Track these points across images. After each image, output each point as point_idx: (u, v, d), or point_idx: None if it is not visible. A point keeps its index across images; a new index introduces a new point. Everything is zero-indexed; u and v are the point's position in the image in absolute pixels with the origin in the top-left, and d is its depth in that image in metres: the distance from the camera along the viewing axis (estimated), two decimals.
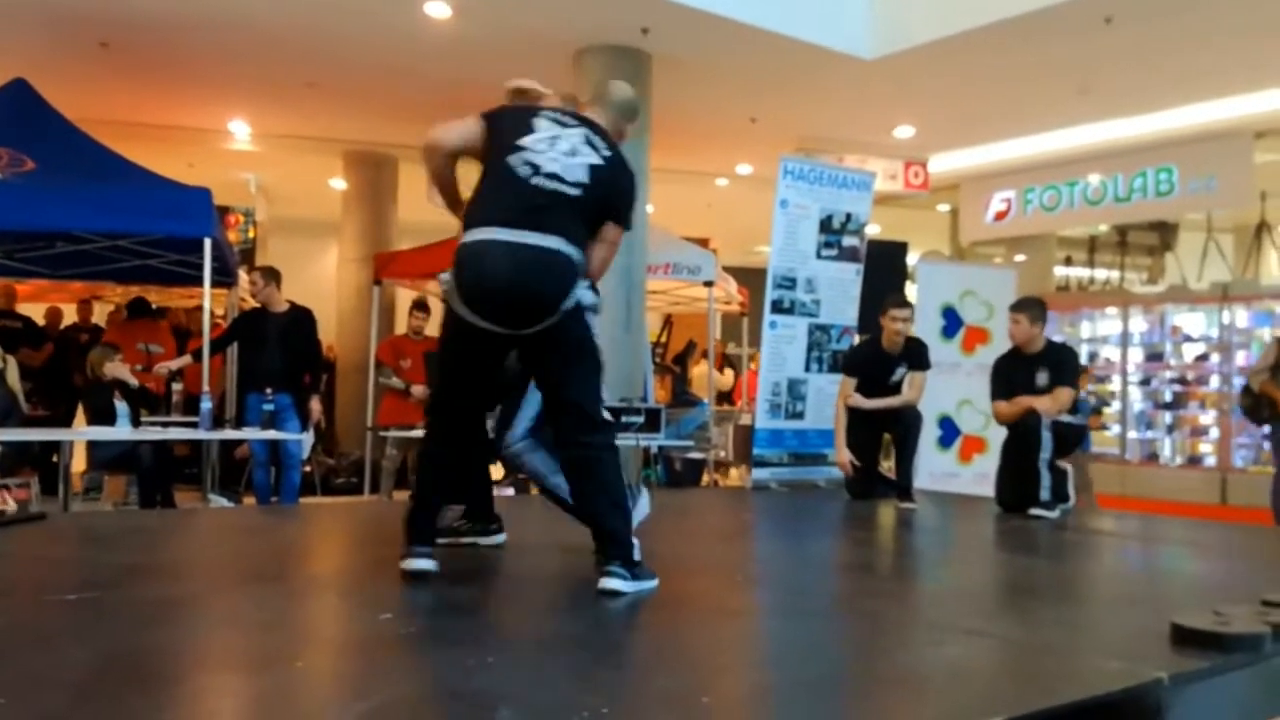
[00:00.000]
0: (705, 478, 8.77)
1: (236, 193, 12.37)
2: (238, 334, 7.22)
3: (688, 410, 9.43)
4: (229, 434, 6.55)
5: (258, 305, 7.12)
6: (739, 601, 2.78)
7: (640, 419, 6.70)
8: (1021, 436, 5.24)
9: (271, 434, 6.31)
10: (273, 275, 7.00)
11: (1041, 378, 5.31)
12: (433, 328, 8.10)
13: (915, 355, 5.85)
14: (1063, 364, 5.43)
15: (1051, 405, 5.22)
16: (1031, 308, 5.45)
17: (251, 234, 13.41)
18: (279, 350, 6.78)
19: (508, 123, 3.00)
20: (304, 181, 12.23)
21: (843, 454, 5.82)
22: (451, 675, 2.04)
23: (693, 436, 8.72)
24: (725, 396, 11.69)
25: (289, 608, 2.74)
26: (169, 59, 8.18)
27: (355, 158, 11.47)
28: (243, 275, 8.69)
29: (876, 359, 5.85)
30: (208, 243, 6.57)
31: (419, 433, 7.05)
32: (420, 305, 8.18)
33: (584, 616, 2.78)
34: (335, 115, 9.98)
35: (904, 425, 5.71)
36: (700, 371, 11.17)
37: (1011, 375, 5.45)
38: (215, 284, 7.22)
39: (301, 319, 7.01)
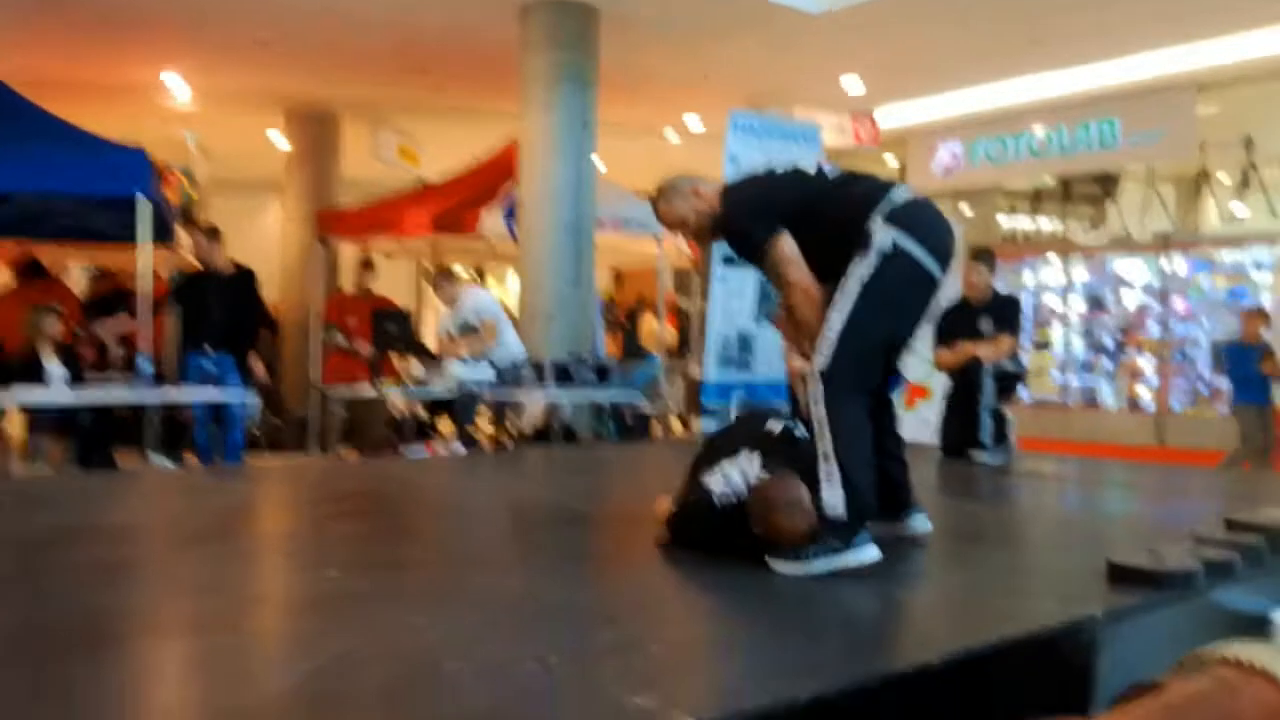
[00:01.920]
0: (655, 431, 8.80)
1: (175, 151, 12.05)
2: (179, 294, 7.07)
3: (638, 364, 9.44)
4: (170, 394, 6.43)
5: (199, 265, 6.97)
6: (687, 551, 2.79)
7: (591, 374, 6.70)
8: (964, 384, 5.31)
9: (212, 392, 6.22)
10: (214, 234, 6.87)
11: (985, 326, 5.38)
12: (378, 285, 8.03)
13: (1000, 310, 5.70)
14: (1007, 313, 5.50)
15: (993, 352, 5.30)
16: (982, 258, 5.56)
17: (192, 193, 13.09)
18: (221, 310, 6.67)
19: (787, 180, 3.04)
20: (245, 139, 11.94)
21: None
22: (398, 632, 2.04)
23: (643, 391, 8.73)
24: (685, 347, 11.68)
25: (232, 568, 2.71)
26: (102, 14, 7.90)
27: (297, 114, 11.22)
28: (183, 235, 8.49)
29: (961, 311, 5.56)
30: (144, 201, 6.40)
31: (365, 391, 7.05)
32: (366, 263, 8.07)
33: (533, 572, 2.78)
34: (276, 70, 9.73)
35: None
36: (650, 327, 11.17)
37: (955, 324, 5.52)
38: (154, 244, 7.06)
39: (244, 278, 6.89)
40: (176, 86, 10.20)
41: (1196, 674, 1.92)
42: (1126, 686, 1.91)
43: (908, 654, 1.88)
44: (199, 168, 12.88)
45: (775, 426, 2.87)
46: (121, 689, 1.72)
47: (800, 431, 2.83)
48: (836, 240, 2.75)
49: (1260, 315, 8.03)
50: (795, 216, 2.82)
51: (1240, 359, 7.91)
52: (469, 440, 7.19)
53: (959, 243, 7.07)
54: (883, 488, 2.79)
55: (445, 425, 8.23)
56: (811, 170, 3.06)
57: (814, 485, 2.55)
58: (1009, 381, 5.46)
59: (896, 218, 2.71)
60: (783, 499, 2.51)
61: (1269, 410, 7.70)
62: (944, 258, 2.79)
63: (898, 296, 2.75)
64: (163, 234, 7.76)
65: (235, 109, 10.98)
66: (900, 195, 2.78)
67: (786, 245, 2.80)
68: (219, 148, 12.53)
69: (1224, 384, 9.61)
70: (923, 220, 2.77)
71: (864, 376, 2.72)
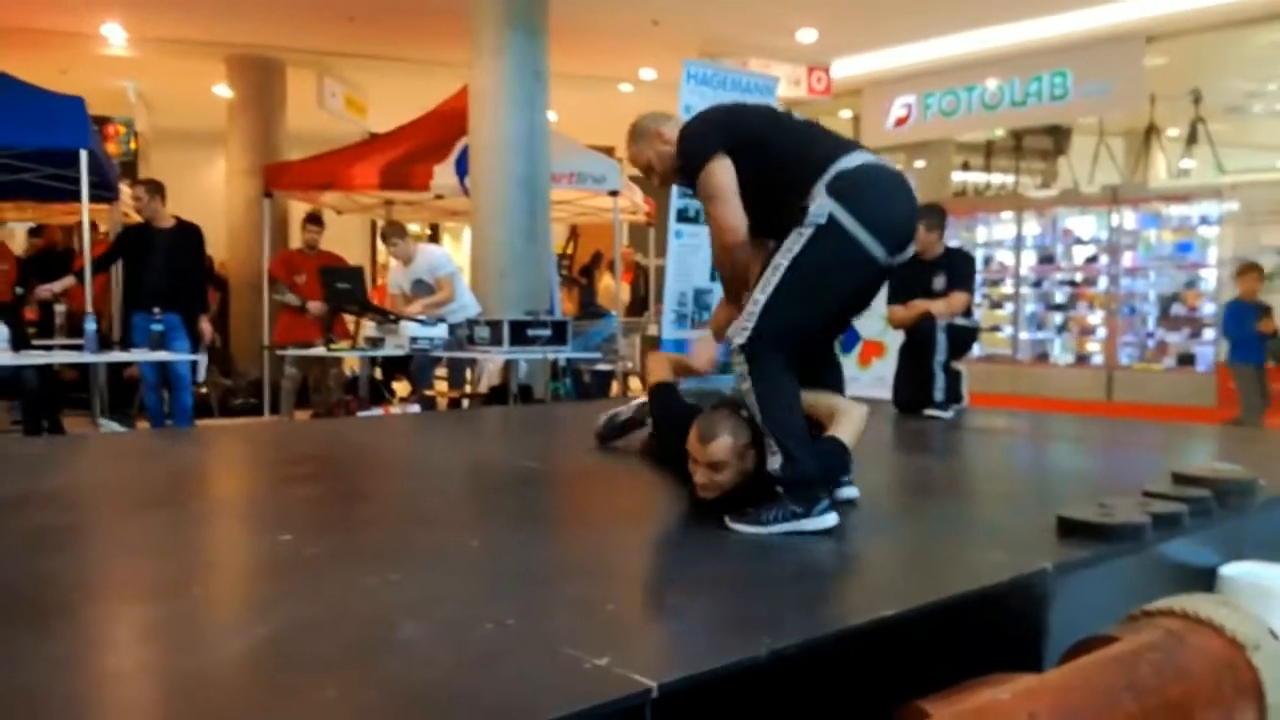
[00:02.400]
0: (614, 389, 8.81)
1: (114, 102, 11.72)
2: (122, 251, 6.90)
3: (595, 322, 9.41)
4: (116, 356, 6.30)
5: (142, 221, 6.80)
6: (645, 510, 2.80)
7: (547, 331, 6.66)
8: (917, 340, 5.36)
9: (160, 355, 6.10)
10: (157, 189, 6.69)
11: (938, 282, 5.42)
12: (327, 241, 7.89)
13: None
14: (959, 269, 5.53)
15: (946, 309, 5.34)
16: (930, 215, 5.49)
17: (132, 145, 12.78)
18: (165, 268, 6.52)
19: (748, 113, 2.84)
20: (186, 89, 11.63)
21: None
22: (354, 594, 2.02)
23: (600, 348, 8.71)
24: (643, 305, 11.66)
25: (184, 533, 2.67)
26: None
27: (240, 63, 10.93)
28: (124, 189, 8.28)
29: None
30: (84, 155, 6.22)
31: (317, 351, 6.96)
32: (314, 218, 7.92)
33: (490, 532, 2.77)
34: (217, 16, 9.45)
35: None
36: (607, 284, 11.13)
37: (908, 280, 5.55)
38: (94, 199, 6.87)
39: (188, 235, 6.73)
40: (115, 34, 9.88)
41: (1145, 626, 1.97)
42: (1077, 639, 1.96)
43: (864, 609, 1.89)
44: (140, 119, 12.56)
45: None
46: (71, 656, 1.68)
47: None
48: (780, 199, 2.56)
49: (1256, 271, 7.74)
50: (747, 150, 2.60)
51: (1239, 317, 7.64)
52: (425, 400, 7.15)
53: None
54: None
55: (401, 385, 8.17)
56: (782, 112, 2.86)
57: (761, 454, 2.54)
58: (964, 337, 5.52)
59: (838, 188, 2.47)
60: (714, 438, 2.53)
61: (1264, 371, 7.48)
62: (890, 235, 2.52)
63: (827, 277, 2.51)
64: (104, 189, 7.57)
65: (177, 57, 10.67)
66: (850, 162, 2.52)
67: (723, 173, 2.57)
68: (161, 98, 12.21)
69: (1172, 338, 9.81)
70: (870, 193, 2.51)
71: (790, 352, 2.55)
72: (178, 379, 6.65)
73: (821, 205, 2.46)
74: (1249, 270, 7.73)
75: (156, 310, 6.15)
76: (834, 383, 2.96)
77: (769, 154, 2.62)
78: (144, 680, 1.62)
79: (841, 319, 2.91)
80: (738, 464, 2.56)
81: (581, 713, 1.41)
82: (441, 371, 7.70)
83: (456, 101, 8.45)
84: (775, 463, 2.48)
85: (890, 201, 2.57)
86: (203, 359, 7.00)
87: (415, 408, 7.16)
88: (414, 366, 7.27)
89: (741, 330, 2.50)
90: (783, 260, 2.49)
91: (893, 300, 5.60)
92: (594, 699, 1.45)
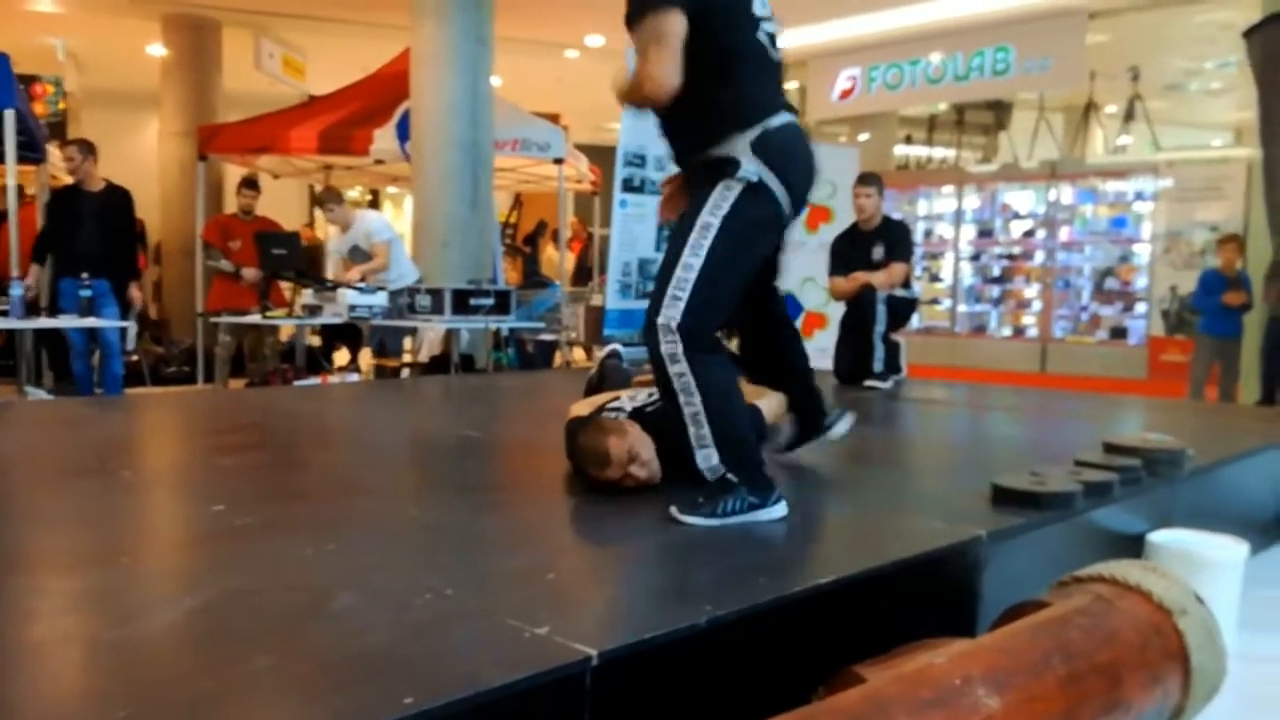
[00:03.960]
0: (557, 358, 8.77)
1: (42, 60, 11.31)
2: (52, 215, 6.68)
3: (539, 292, 9.35)
4: (43, 322, 6.11)
5: (71, 183, 6.58)
6: (585, 481, 2.78)
7: (490, 301, 6.59)
8: (858, 311, 5.40)
9: (89, 321, 5.94)
10: (89, 149, 6.49)
11: (878, 252, 5.47)
12: (263, 207, 7.72)
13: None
14: (897, 240, 5.58)
15: (886, 279, 5.39)
16: (877, 181, 5.59)
17: (61, 105, 12.34)
18: (96, 232, 6.33)
19: (736, 7, 2.47)
20: (118, 48, 11.26)
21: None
22: (288, 565, 1.98)
23: (544, 318, 8.66)
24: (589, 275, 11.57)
25: (113, 502, 2.60)
26: None
27: (174, 21, 10.60)
28: (54, 151, 8.01)
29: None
30: (9, 115, 6.00)
31: (253, 318, 6.82)
32: (249, 182, 7.74)
33: (429, 501, 2.75)
34: None
35: None
36: (552, 254, 11.05)
37: (848, 252, 5.60)
38: (21, 160, 6.65)
39: (118, 198, 6.54)
40: None
41: (1075, 591, 2.01)
42: (1010, 605, 2.00)
43: (802, 577, 1.91)
44: (69, 78, 12.13)
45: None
46: None
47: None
48: (701, 113, 2.36)
49: (1235, 243, 7.54)
50: (707, 36, 2.31)
51: (1210, 287, 7.43)
52: (391, 371, 7.07)
53: (854, 169, 7.09)
54: (807, 408, 2.83)
55: (339, 354, 8.05)
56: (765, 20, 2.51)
57: (688, 448, 2.34)
58: (903, 308, 5.57)
59: (763, 148, 2.34)
60: (597, 447, 2.52)
61: (1233, 345, 7.27)
62: (800, 199, 2.45)
63: (753, 240, 2.39)
64: (31, 150, 7.32)
65: (109, 14, 10.31)
66: (777, 120, 2.39)
67: (676, 24, 2.26)
68: (91, 56, 11.82)
69: (1105, 312, 10.02)
70: (791, 154, 2.41)
71: (718, 326, 2.42)
72: (107, 345, 6.48)
73: (751, 166, 2.31)
74: (1229, 241, 7.56)
75: (86, 276, 5.98)
76: (792, 341, 2.91)
77: (726, 61, 2.38)
78: (71, 651, 1.58)
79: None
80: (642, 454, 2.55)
81: (521, 681, 1.41)
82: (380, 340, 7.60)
83: (398, 65, 8.29)
84: (713, 457, 2.32)
85: (805, 163, 2.46)
86: (132, 326, 6.83)
87: (354, 377, 7.06)
88: (354, 334, 7.16)
89: (673, 301, 2.28)
90: (712, 218, 2.30)
91: (834, 272, 5.64)
92: (534, 668, 1.44)
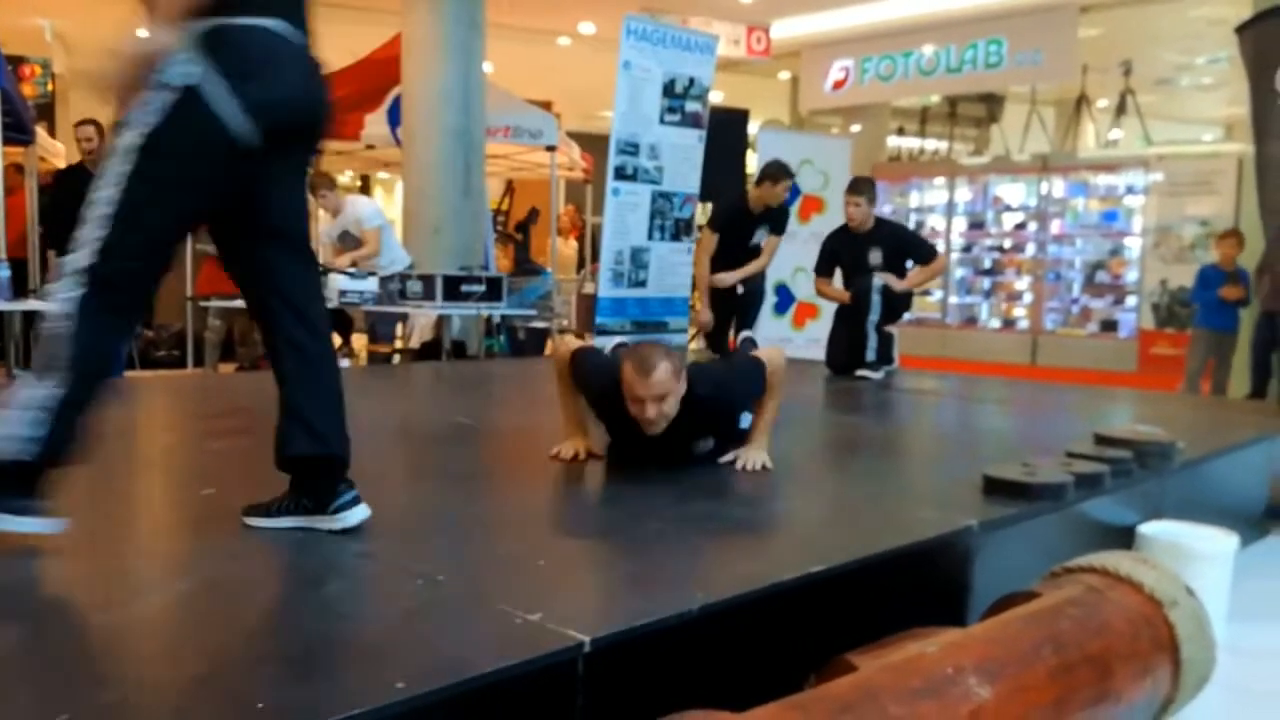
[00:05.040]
0: (549, 347, 8.75)
1: (31, 41, 11.20)
2: (58, 194, 6.62)
3: (530, 279, 9.31)
4: (33, 304, 6.07)
5: (78, 163, 6.53)
6: (576, 468, 2.78)
7: (482, 287, 6.56)
8: (854, 301, 5.39)
9: None
10: (102, 131, 6.48)
11: (874, 257, 5.40)
12: None
13: (778, 219, 5.91)
14: (904, 242, 5.57)
15: (918, 280, 5.54)
16: (868, 189, 5.52)
17: (50, 87, 12.23)
18: None
19: None
20: (108, 29, 11.17)
21: (705, 314, 5.96)
22: (280, 549, 1.98)
23: (536, 305, 8.63)
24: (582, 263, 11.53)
25: (104, 487, 2.58)
26: None
27: None
28: (41, 133, 7.94)
29: (741, 218, 5.88)
30: None
31: (242, 302, 6.76)
32: None
33: (420, 488, 2.74)
34: None
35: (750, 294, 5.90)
36: (562, 247, 11.01)
37: (840, 253, 5.57)
38: (8, 141, 6.59)
39: None
40: None
41: (1066, 582, 2.02)
42: (1001, 595, 2.00)
43: (794, 564, 1.90)
44: (58, 60, 12.02)
45: None
46: None
47: None
48: None
49: (1236, 237, 7.44)
50: None
51: (1207, 281, 7.35)
52: (384, 357, 7.04)
53: (847, 160, 6.99)
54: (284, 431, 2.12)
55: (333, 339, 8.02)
56: None
57: None
58: (900, 301, 5.53)
59: (214, 42, 1.83)
60: None
61: (1229, 339, 7.22)
62: (283, 125, 1.92)
63: (184, 166, 1.87)
64: (19, 131, 7.25)
65: None
66: (249, 21, 1.88)
67: None
68: (80, 39, 11.70)
69: (1096, 305, 10.04)
70: (262, 62, 1.89)
71: (147, 277, 1.96)
72: None
73: (187, 67, 1.81)
74: (1228, 236, 7.48)
75: None
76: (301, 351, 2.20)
77: None
78: (62, 633, 1.57)
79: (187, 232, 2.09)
80: (678, 387, 2.54)
81: (514, 667, 1.40)
82: (367, 326, 7.56)
83: (389, 50, 8.23)
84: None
85: (291, 80, 1.96)
86: None
87: (344, 363, 7.03)
88: (374, 321, 7.14)
89: (86, 246, 1.84)
90: (133, 140, 1.83)
91: (822, 272, 5.66)
92: (526, 654, 1.44)
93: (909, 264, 5.52)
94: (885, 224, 5.68)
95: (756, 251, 5.90)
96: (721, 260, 5.90)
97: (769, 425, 2.84)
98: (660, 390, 2.50)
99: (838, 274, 5.66)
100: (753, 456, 2.78)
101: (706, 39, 6.97)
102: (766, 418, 2.83)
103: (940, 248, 11.03)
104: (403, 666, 1.38)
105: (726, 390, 2.78)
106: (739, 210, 5.94)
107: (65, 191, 6.52)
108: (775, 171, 5.77)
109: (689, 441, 2.78)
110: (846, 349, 5.43)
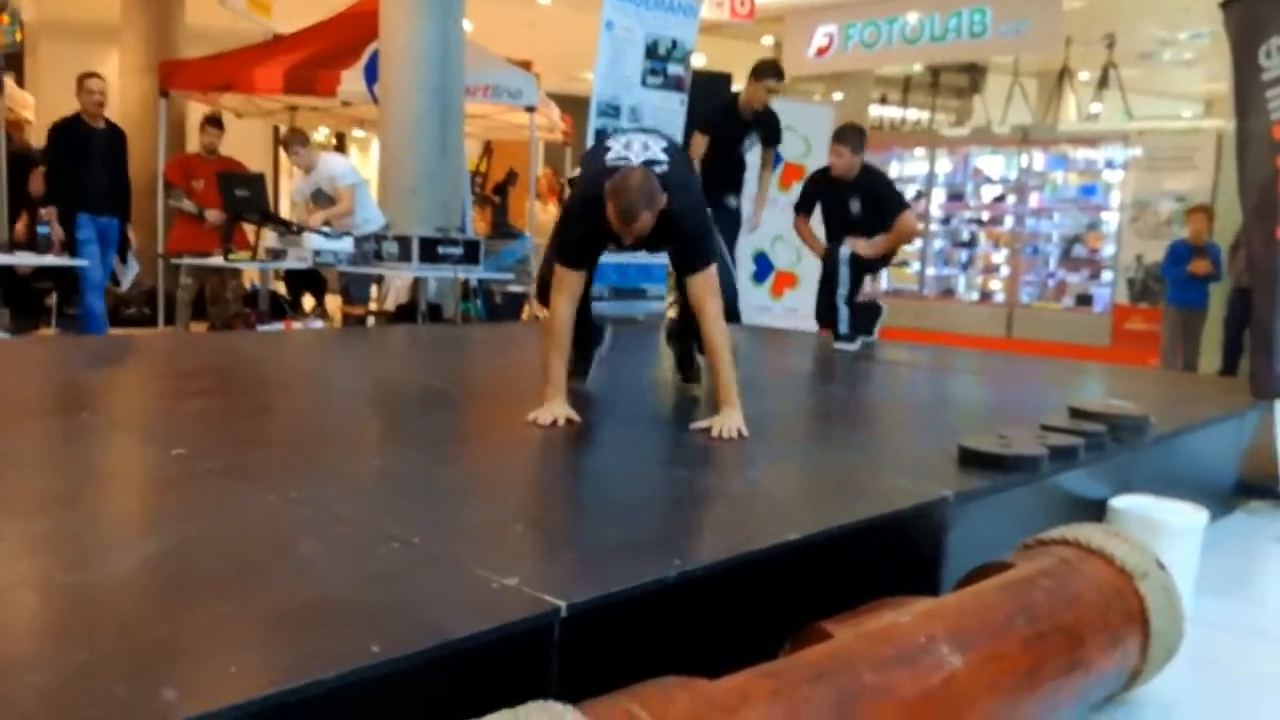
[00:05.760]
0: (526, 311, 8.71)
1: None
2: (60, 149, 6.48)
3: (508, 242, 9.25)
4: (6, 259, 5.99)
5: (74, 115, 6.39)
6: (555, 434, 2.77)
7: (459, 250, 6.51)
8: (825, 267, 5.33)
9: (48, 259, 5.84)
10: (105, 85, 6.47)
11: (854, 206, 5.26)
12: (226, 147, 7.56)
13: (770, 128, 5.79)
14: (881, 193, 5.30)
15: (891, 243, 5.26)
16: (853, 138, 5.31)
17: (18, 37, 11.91)
18: (103, 169, 6.31)
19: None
20: None
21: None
22: (251, 511, 1.95)
23: (513, 269, 8.58)
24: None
25: (73, 445, 2.55)
26: None
27: None
28: (10, 85, 7.77)
29: (732, 119, 5.74)
30: None
31: (215, 260, 6.69)
32: (213, 120, 7.56)
33: (394, 451, 2.72)
34: None
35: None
36: (522, 204, 10.93)
37: (822, 199, 5.40)
38: None
39: (120, 137, 6.59)
40: None
41: (1039, 554, 2.03)
42: (974, 565, 2.01)
43: (769, 533, 1.90)
44: (27, 8, 11.73)
45: None
46: None
47: None
48: None
49: (1205, 213, 7.46)
50: None
51: (1178, 257, 7.42)
52: (357, 319, 6.99)
53: (829, 128, 6.90)
54: None
55: (305, 300, 7.94)
56: None
57: None
58: (870, 266, 5.45)
59: None
60: None
61: (1197, 315, 7.30)
62: None
63: None
64: None
65: None
66: None
67: None
68: None
69: (1072, 279, 10.09)
70: None
71: None
72: (91, 283, 6.44)
73: None
74: (1199, 212, 7.50)
75: (102, 214, 6.06)
76: None
77: None
78: (27, 595, 1.54)
79: None
80: (654, 220, 2.80)
81: (489, 632, 1.39)
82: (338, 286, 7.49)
83: (367, 4, 8.09)
84: None
85: None
86: (135, 266, 6.86)
87: (318, 324, 6.97)
88: (346, 281, 7.07)
89: None
90: None
91: (801, 210, 5.50)
92: (502, 618, 1.43)
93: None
94: (869, 172, 5.42)
95: (743, 159, 5.75)
96: (708, 170, 5.50)
97: (733, 385, 2.88)
98: (638, 231, 2.79)
99: (818, 213, 5.46)
100: (728, 423, 2.78)
101: (689, 1, 6.90)
102: (726, 376, 2.88)
103: (919, 220, 11.06)
104: (378, 630, 1.37)
105: (696, 221, 3.02)
106: (729, 111, 5.76)
107: (69, 145, 6.39)
108: (759, 66, 5.64)
109: (652, 248, 3.11)
110: (829, 309, 5.37)
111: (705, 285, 2.93)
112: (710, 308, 2.92)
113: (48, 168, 6.54)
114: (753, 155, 5.92)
